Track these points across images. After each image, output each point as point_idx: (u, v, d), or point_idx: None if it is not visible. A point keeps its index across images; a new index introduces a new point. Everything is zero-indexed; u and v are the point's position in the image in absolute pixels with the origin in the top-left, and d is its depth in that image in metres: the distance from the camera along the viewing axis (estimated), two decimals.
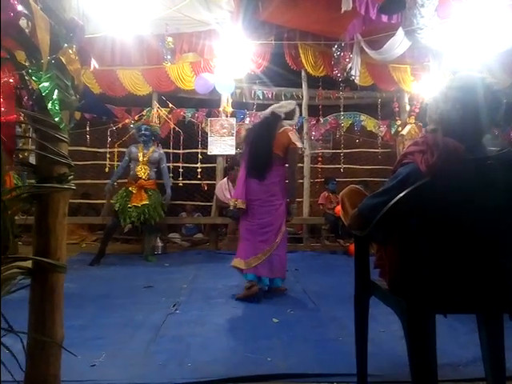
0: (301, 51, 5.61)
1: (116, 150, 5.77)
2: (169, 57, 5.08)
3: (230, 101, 5.73)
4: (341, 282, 3.55)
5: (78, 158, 5.58)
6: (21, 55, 1.22)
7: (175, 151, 5.84)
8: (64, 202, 1.28)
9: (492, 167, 1.22)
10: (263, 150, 3.24)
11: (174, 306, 2.84)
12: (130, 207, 4.59)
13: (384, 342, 2.17)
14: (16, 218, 1.16)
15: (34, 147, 1.27)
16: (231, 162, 5.72)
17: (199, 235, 6.53)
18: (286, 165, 3.31)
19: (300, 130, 5.97)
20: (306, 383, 1.77)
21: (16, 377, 1.19)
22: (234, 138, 5.67)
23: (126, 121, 5.73)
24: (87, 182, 6.07)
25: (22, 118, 1.41)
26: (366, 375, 1.64)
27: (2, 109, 0.90)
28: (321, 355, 2.03)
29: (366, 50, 5.02)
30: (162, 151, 5.15)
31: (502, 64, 4.42)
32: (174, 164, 5.79)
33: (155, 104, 5.73)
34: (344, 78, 5.41)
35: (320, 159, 6.23)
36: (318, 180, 6.24)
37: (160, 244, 5.35)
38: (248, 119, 5.91)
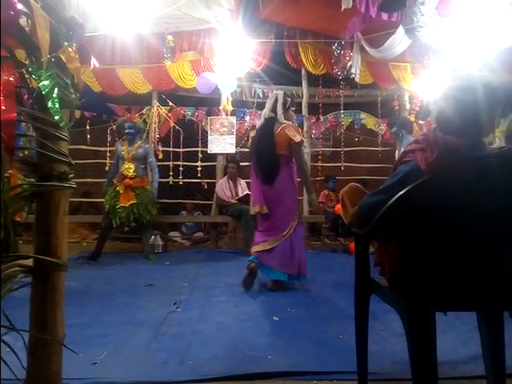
0: (301, 49, 5.61)
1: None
2: (169, 55, 5.08)
3: (230, 99, 5.73)
4: (341, 280, 3.55)
5: (78, 156, 5.58)
6: (21, 54, 1.22)
7: (175, 150, 5.85)
8: (65, 201, 1.28)
9: (492, 165, 1.23)
10: (267, 155, 3.28)
11: (174, 304, 2.85)
12: (118, 208, 4.47)
13: (384, 339, 2.18)
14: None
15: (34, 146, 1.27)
16: (227, 160, 5.73)
17: (199, 234, 6.54)
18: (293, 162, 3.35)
19: (300, 128, 5.97)
20: (307, 381, 1.77)
21: (18, 375, 1.20)
22: (234, 136, 5.67)
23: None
24: (87, 181, 6.08)
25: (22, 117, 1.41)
26: (367, 373, 1.64)
27: (3, 107, 0.90)
28: (321, 353, 2.03)
29: (366, 48, 5.02)
30: (147, 145, 4.97)
31: (502, 62, 4.40)
32: (174, 162, 5.79)
33: (155, 102, 5.73)
34: (344, 77, 5.41)
35: (320, 157, 6.23)
36: (318, 178, 6.24)
37: (160, 243, 5.35)
38: (248, 118, 5.91)
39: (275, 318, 2.56)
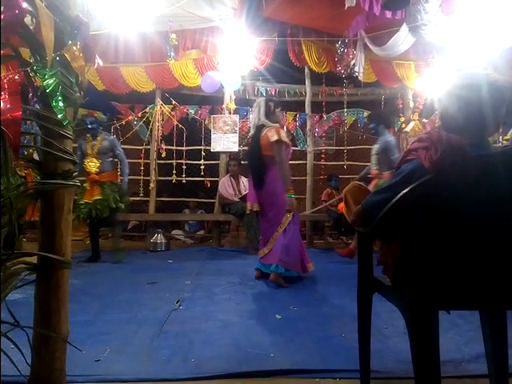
0: (304, 48, 5.60)
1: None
2: (172, 53, 5.08)
3: (234, 98, 5.73)
4: (344, 278, 3.55)
5: None
6: (26, 52, 1.23)
7: (178, 148, 5.85)
8: (69, 199, 1.29)
9: (496, 163, 1.22)
10: (255, 158, 3.60)
11: (177, 302, 2.85)
12: (81, 204, 4.26)
13: (387, 338, 2.18)
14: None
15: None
16: (229, 158, 5.75)
17: (202, 232, 6.55)
18: None
19: (303, 127, 5.97)
20: (309, 379, 1.78)
21: (22, 371, 1.21)
22: (237, 134, 5.68)
23: (130, 118, 5.75)
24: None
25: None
26: (369, 371, 1.64)
27: (8, 105, 0.90)
28: (324, 351, 2.03)
29: (370, 46, 5.00)
30: (112, 137, 4.66)
31: (507, 60, 4.39)
32: (178, 161, 5.80)
33: (158, 101, 5.74)
34: (347, 75, 5.40)
35: (323, 156, 6.22)
36: (321, 177, 6.24)
37: (163, 241, 5.37)
38: (251, 116, 5.91)
39: (278, 317, 2.56)
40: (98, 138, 4.46)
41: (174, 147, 5.84)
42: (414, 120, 5.72)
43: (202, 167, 5.75)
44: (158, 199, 5.96)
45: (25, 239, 4.63)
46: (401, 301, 1.33)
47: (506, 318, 1.49)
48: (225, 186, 5.49)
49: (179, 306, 2.78)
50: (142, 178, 5.85)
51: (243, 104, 5.90)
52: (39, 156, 1.27)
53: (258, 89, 5.91)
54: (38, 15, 1.09)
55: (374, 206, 1.38)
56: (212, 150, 5.76)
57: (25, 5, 1.04)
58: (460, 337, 2.18)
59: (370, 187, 4.32)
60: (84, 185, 4.36)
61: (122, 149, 4.68)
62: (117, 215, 4.54)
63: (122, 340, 2.14)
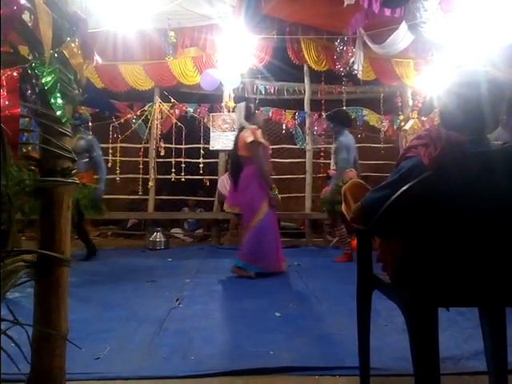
0: (303, 45, 5.59)
1: (118, 145, 5.78)
2: (171, 51, 5.07)
3: (233, 96, 5.72)
4: (343, 276, 3.55)
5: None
6: (24, 49, 1.22)
7: (177, 146, 5.85)
8: (68, 196, 1.28)
9: (495, 160, 1.22)
10: (233, 158, 3.87)
11: (177, 300, 2.86)
12: None
13: (386, 335, 2.18)
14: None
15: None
16: (228, 156, 5.75)
17: (200, 230, 6.55)
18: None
19: (302, 125, 5.96)
20: (309, 376, 1.78)
21: (22, 369, 1.21)
22: (235, 133, 5.67)
23: (128, 116, 5.74)
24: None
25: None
26: (369, 368, 1.65)
27: (7, 102, 0.90)
28: (323, 349, 2.04)
29: (369, 44, 5.00)
30: (91, 137, 4.29)
31: (506, 58, 4.38)
32: (176, 159, 5.79)
33: (157, 99, 5.73)
34: (346, 73, 5.39)
35: (322, 154, 6.22)
36: (320, 175, 6.23)
37: (162, 239, 5.37)
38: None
39: (277, 314, 2.57)
40: (75, 138, 4.23)
41: (173, 145, 5.83)
42: (413, 118, 5.73)
43: (201, 165, 5.75)
44: (157, 197, 5.96)
45: (23, 237, 4.62)
46: (400, 298, 1.34)
47: (506, 315, 1.49)
48: (224, 184, 5.49)
49: (179, 304, 2.78)
50: (141, 176, 5.84)
51: (242, 102, 5.89)
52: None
53: (256, 87, 5.90)
54: (36, 12, 1.09)
55: (374, 204, 1.38)
56: (211, 149, 5.75)
57: (23, 1, 1.04)
58: (459, 334, 2.18)
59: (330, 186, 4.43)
60: None
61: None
62: (84, 224, 4.26)
63: (121, 338, 2.15)
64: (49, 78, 1.13)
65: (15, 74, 0.96)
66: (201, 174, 5.80)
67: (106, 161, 5.73)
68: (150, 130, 5.78)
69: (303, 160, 6.02)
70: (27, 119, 1.71)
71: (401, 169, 1.34)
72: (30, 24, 1.17)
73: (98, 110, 5.66)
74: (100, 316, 2.51)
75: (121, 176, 5.76)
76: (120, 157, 5.80)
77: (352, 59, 5.16)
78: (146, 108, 5.76)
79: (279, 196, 3.65)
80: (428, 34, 4.23)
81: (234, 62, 5.16)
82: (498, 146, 1.35)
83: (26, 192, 1.19)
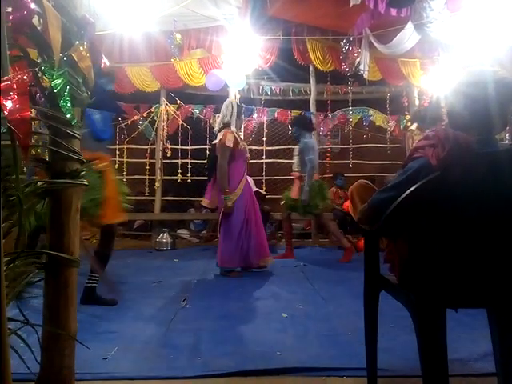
0: (309, 46, 5.59)
1: (125, 146, 5.82)
2: (177, 53, 5.09)
3: (238, 97, 5.73)
4: (350, 277, 3.54)
5: None
6: (33, 53, 1.24)
7: (183, 147, 5.87)
8: (76, 198, 1.29)
9: (503, 161, 1.22)
10: (211, 156, 3.92)
11: (183, 300, 2.87)
12: None
13: (394, 336, 2.17)
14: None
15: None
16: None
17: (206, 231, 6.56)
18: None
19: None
20: (316, 377, 1.78)
21: (32, 369, 1.22)
22: (241, 134, 5.67)
23: (135, 117, 5.77)
24: None
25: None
26: (376, 369, 1.64)
27: (17, 105, 0.91)
28: (330, 349, 2.03)
29: (375, 44, 4.98)
30: None
31: None
32: (183, 160, 5.82)
33: (163, 100, 5.76)
34: (352, 73, 5.38)
35: (328, 155, 6.21)
36: (327, 175, 6.22)
37: (169, 240, 5.39)
38: (256, 115, 5.91)
39: (284, 315, 2.57)
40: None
41: (179, 146, 5.85)
42: None
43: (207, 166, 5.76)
44: (163, 198, 5.98)
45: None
46: (408, 299, 1.33)
47: None
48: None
49: (185, 304, 2.80)
50: (147, 177, 5.88)
51: (248, 103, 5.90)
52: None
53: (262, 88, 5.90)
54: (45, 16, 1.10)
55: (381, 204, 1.37)
56: None
57: (33, 5, 1.05)
58: (467, 335, 2.17)
59: (294, 188, 4.46)
60: None
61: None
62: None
63: (129, 338, 2.16)
64: (58, 81, 1.14)
65: (25, 77, 0.98)
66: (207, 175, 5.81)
67: (113, 162, 5.78)
68: (156, 131, 5.81)
69: None
70: (36, 122, 1.72)
71: (408, 169, 1.34)
72: (39, 28, 1.19)
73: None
74: (108, 316, 2.52)
75: (127, 177, 5.79)
76: (127, 158, 5.84)
77: (358, 59, 5.15)
78: (152, 109, 5.80)
79: (229, 203, 3.66)
80: (434, 33, 4.21)
81: (239, 64, 5.17)
82: (505, 146, 1.34)
83: (35, 194, 1.21)
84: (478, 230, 1.23)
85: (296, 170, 4.67)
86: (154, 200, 5.87)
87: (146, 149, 5.91)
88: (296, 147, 4.75)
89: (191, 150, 5.89)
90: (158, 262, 4.51)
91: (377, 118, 6.08)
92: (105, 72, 2.26)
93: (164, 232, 5.44)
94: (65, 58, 1.19)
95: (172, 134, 5.88)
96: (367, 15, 4.42)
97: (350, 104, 5.95)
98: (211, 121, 5.82)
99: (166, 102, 5.77)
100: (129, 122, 5.79)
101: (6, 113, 0.91)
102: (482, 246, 1.24)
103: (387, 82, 5.90)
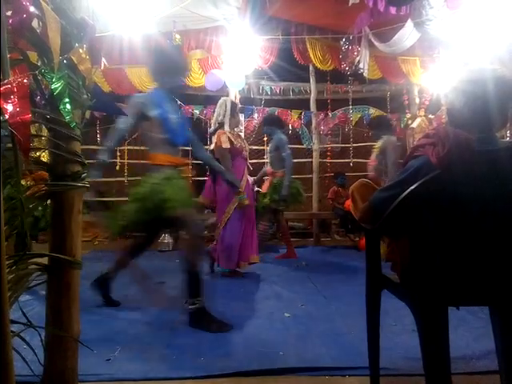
0: (308, 45, 5.57)
1: (126, 147, 5.82)
2: None
3: (238, 97, 5.73)
4: (352, 276, 3.54)
5: (89, 156, 5.62)
6: (33, 56, 1.24)
7: (184, 148, 5.86)
8: (78, 200, 1.30)
9: (503, 158, 1.22)
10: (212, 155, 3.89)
11: (186, 301, 2.86)
12: None
13: (396, 335, 2.17)
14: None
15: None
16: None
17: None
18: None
19: (309, 125, 5.96)
20: (319, 376, 1.78)
21: (35, 371, 1.22)
22: (242, 133, 5.68)
23: None
24: (98, 180, 6.12)
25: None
26: (379, 368, 1.64)
27: (18, 109, 0.92)
28: (333, 349, 2.04)
29: (375, 42, 4.97)
30: None
31: None
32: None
33: None
34: (352, 72, 5.37)
35: (329, 154, 6.21)
36: (327, 175, 6.22)
37: (170, 241, 5.39)
38: (256, 115, 5.91)
39: (286, 315, 2.57)
40: None
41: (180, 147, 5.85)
42: (421, 116, 5.69)
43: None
44: None
45: (34, 241, 4.67)
46: (410, 297, 1.33)
47: None
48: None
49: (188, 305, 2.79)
50: None
51: (248, 103, 5.90)
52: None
53: (262, 87, 5.90)
54: (44, 19, 1.10)
55: (382, 203, 1.37)
56: None
57: (32, 9, 1.06)
58: (470, 333, 2.17)
59: (265, 185, 4.47)
60: None
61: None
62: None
63: (132, 339, 2.16)
64: (58, 84, 1.15)
65: (25, 80, 0.98)
66: (208, 175, 5.81)
67: (114, 163, 5.79)
68: None
69: (310, 160, 6.01)
70: (37, 125, 1.72)
71: (408, 168, 1.34)
72: (38, 31, 1.19)
73: (105, 114, 5.70)
74: (110, 318, 2.53)
75: (129, 178, 5.79)
76: (128, 159, 5.84)
77: (357, 58, 5.14)
78: None
79: (246, 201, 3.63)
80: (434, 31, 4.19)
81: (239, 64, 5.17)
82: (506, 143, 1.34)
83: (37, 196, 1.21)
84: (478, 227, 1.23)
85: (269, 167, 4.74)
86: None
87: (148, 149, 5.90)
88: (270, 145, 4.79)
89: (191, 150, 5.88)
90: (159, 262, 4.50)
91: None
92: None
93: (165, 233, 5.43)
94: (64, 61, 1.19)
95: None
96: (366, 14, 4.40)
97: (350, 103, 5.94)
98: (211, 121, 5.82)
99: None
100: None
101: (7, 116, 0.91)
102: (483, 244, 1.24)
103: (387, 81, 5.88)
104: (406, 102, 5.94)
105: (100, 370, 1.79)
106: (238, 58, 5.13)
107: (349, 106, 5.96)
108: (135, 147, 5.91)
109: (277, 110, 5.95)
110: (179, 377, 1.76)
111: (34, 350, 1.18)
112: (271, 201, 4.46)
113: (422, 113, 5.69)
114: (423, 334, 1.27)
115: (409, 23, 4.27)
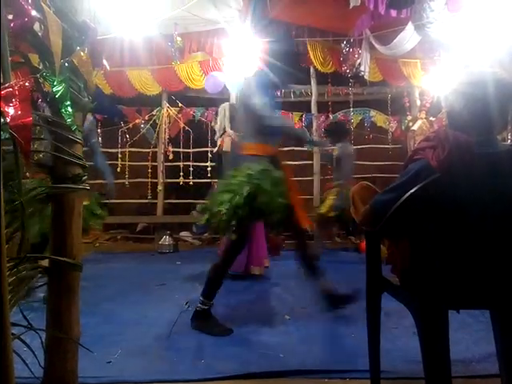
0: (309, 48, 5.59)
1: (127, 149, 5.84)
2: (177, 55, 5.11)
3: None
4: (352, 278, 3.53)
5: (89, 158, 5.64)
6: (35, 58, 1.25)
7: (185, 150, 5.88)
8: (79, 202, 1.30)
9: (503, 161, 1.22)
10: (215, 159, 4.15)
11: (186, 303, 2.86)
12: None
13: (397, 338, 2.17)
14: None
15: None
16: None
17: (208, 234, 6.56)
18: None
19: (310, 127, 5.96)
20: (319, 379, 1.78)
21: (35, 373, 1.23)
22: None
23: (137, 121, 5.79)
24: (99, 182, 6.14)
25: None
26: (379, 371, 1.64)
27: (19, 112, 0.92)
28: (333, 351, 2.03)
29: (375, 45, 4.98)
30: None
31: None
32: (184, 163, 5.83)
33: (165, 103, 5.77)
34: (353, 74, 5.38)
35: None
36: (329, 177, 6.21)
37: (171, 242, 5.39)
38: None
39: (287, 317, 2.57)
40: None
41: (181, 149, 5.86)
42: (421, 119, 5.68)
43: (209, 169, 5.77)
44: (165, 201, 5.99)
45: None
46: (410, 300, 1.33)
47: None
48: None
49: (188, 307, 2.79)
50: (149, 180, 5.89)
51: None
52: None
53: None
54: (46, 22, 1.11)
55: (382, 206, 1.38)
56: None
57: (34, 12, 1.06)
58: (470, 336, 2.16)
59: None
60: None
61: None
62: None
63: (132, 341, 2.16)
64: (59, 87, 1.15)
65: (27, 83, 0.98)
66: (209, 178, 5.82)
67: (115, 166, 5.79)
68: (158, 134, 5.82)
69: (311, 162, 6.01)
70: (38, 127, 1.72)
71: (409, 171, 1.34)
72: (40, 34, 1.20)
73: (106, 117, 5.72)
74: (111, 320, 2.53)
75: (130, 180, 5.81)
76: (129, 161, 5.85)
77: (358, 61, 5.15)
78: (154, 113, 5.81)
79: None
80: (435, 34, 4.20)
81: (240, 66, 5.18)
82: (506, 146, 1.34)
83: (38, 199, 1.22)
84: (479, 230, 1.23)
85: None
86: (156, 203, 5.88)
87: (148, 152, 5.91)
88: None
89: (193, 152, 5.89)
90: (160, 264, 4.51)
91: (378, 118, 6.07)
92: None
93: (166, 235, 5.44)
94: (66, 64, 1.20)
95: (174, 137, 5.89)
96: (367, 16, 4.41)
97: (351, 105, 5.94)
98: (212, 123, 5.82)
99: (167, 105, 5.79)
100: (130, 125, 5.80)
101: (8, 119, 0.91)
102: (483, 247, 1.24)
103: (388, 83, 5.89)
104: (407, 105, 5.94)
105: (100, 373, 1.79)
106: (239, 61, 5.14)
107: (350, 108, 5.96)
108: (137, 149, 5.93)
109: (278, 112, 5.95)
110: (180, 379, 1.76)
111: (34, 353, 1.18)
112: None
113: (423, 115, 5.69)
114: (423, 337, 1.27)
115: (409, 26, 4.27)
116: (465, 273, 1.25)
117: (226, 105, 4.02)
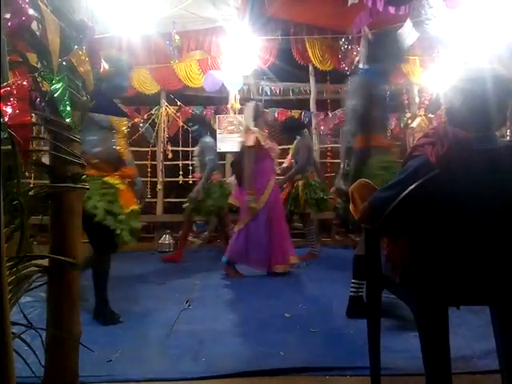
0: (308, 46, 5.58)
1: (128, 149, 5.82)
2: (176, 53, 5.10)
3: (238, 97, 5.73)
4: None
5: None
6: (33, 57, 1.25)
7: (184, 149, 5.88)
8: (78, 202, 1.30)
9: (502, 157, 1.22)
10: (238, 156, 3.99)
11: (186, 302, 2.87)
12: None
13: (397, 334, 2.17)
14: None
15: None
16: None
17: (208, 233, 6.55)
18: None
19: (308, 125, 5.95)
20: (319, 376, 1.78)
21: (36, 372, 1.23)
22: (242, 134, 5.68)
23: (136, 120, 5.78)
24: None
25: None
26: (380, 368, 1.64)
27: (17, 111, 0.92)
28: (334, 349, 2.04)
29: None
30: None
31: None
32: (184, 162, 5.83)
33: (164, 102, 5.77)
34: (352, 72, 5.37)
35: (329, 154, 6.20)
36: (328, 175, 6.21)
37: (171, 241, 5.39)
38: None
39: (287, 315, 2.57)
40: None
41: (180, 148, 5.86)
42: (420, 116, 5.69)
43: None
44: (165, 200, 5.99)
45: (35, 242, 4.67)
46: (410, 297, 1.33)
47: None
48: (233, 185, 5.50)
49: (188, 305, 2.80)
50: (149, 179, 5.88)
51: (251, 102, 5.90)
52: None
53: (262, 88, 5.90)
54: (43, 21, 1.11)
55: (381, 203, 1.38)
56: (218, 151, 5.76)
57: (31, 11, 1.06)
58: (470, 332, 2.17)
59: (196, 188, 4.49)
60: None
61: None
62: None
63: (133, 340, 2.17)
64: (58, 86, 1.15)
65: (25, 82, 0.98)
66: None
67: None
68: (157, 133, 5.82)
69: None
70: (36, 126, 1.72)
71: (408, 168, 1.34)
72: (38, 33, 1.19)
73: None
74: None
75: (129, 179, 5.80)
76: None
77: (357, 58, 5.14)
78: (152, 111, 5.80)
79: (253, 204, 3.58)
80: (433, 30, 4.19)
81: (238, 64, 5.17)
82: (505, 142, 1.34)
83: (37, 198, 1.21)
84: (478, 227, 1.23)
85: (198, 172, 4.75)
86: (155, 202, 5.87)
87: (147, 151, 5.91)
88: (195, 149, 4.83)
89: (192, 151, 5.88)
90: (160, 263, 4.51)
91: None
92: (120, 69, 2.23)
93: (166, 234, 5.44)
94: (64, 63, 1.19)
95: (173, 136, 5.89)
96: (366, 14, 4.41)
97: None
98: (211, 122, 5.82)
99: (166, 103, 5.78)
100: (130, 124, 5.78)
101: (6, 118, 0.91)
102: (482, 243, 1.24)
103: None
104: (406, 102, 5.94)
105: (101, 371, 1.79)
106: (238, 59, 5.13)
107: None
108: (136, 148, 5.92)
109: (277, 111, 5.95)
110: (180, 377, 1.76)
111: (34, 352, 1.19)
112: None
113: (422, 112, 5.69)
114: (423, 334, 1.27)
115: (408, 23, 4.26)
116: (464, 269, 1.25)
117: (250, 105, 3.97)
